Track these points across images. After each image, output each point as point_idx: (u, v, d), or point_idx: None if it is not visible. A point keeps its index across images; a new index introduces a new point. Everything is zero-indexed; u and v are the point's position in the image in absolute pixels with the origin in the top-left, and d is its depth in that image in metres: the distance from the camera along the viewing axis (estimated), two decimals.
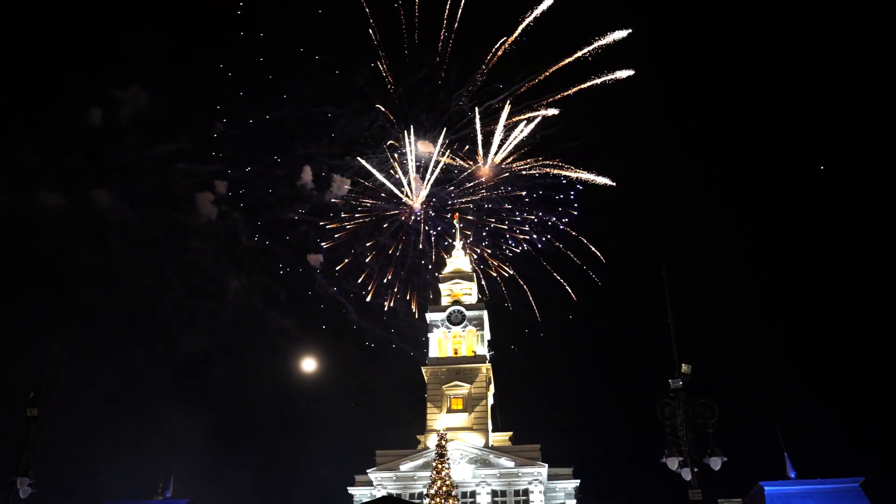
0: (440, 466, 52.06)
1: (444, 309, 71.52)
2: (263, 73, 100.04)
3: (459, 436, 63.25)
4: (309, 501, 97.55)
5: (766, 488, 52.72)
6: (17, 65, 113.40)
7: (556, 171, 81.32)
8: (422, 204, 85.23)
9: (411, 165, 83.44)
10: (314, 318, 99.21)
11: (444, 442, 53.58)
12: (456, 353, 70.39)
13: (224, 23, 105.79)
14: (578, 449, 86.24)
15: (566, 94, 79.08)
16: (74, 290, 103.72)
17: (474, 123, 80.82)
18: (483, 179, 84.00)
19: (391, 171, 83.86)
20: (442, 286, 74.96)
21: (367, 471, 62.33)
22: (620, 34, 76.01)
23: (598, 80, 77.71)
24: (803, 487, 52.30)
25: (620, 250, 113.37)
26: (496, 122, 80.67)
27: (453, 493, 51.86)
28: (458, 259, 77.24)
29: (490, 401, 69.25)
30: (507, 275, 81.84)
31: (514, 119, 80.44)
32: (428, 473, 55.25)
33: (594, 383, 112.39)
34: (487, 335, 72.09)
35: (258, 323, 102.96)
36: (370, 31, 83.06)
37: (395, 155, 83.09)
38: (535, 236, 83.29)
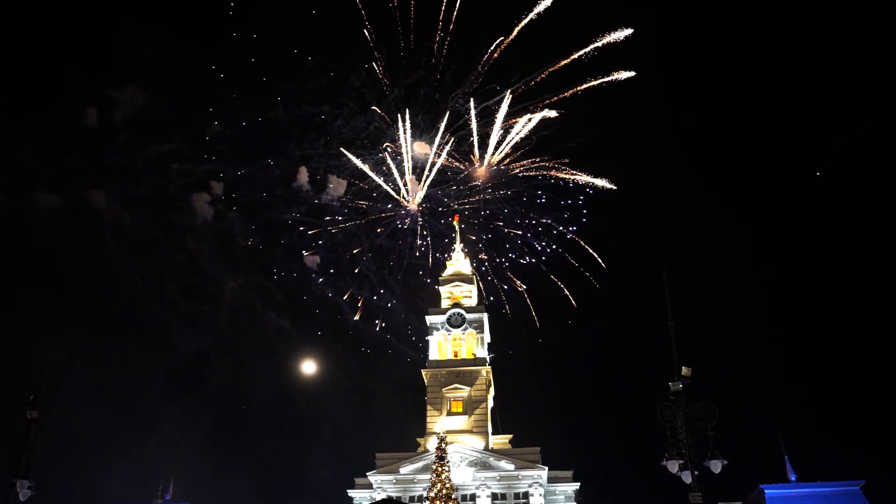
0: (440, 469, 51.97)
1: (444, 311, 71.49)
2: (259, 73, 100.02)
3: (459, 439, 63.18)
4: None
5: (766, 491, 52.66)
6: (14, 65, 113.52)
7: (553, 173, 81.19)
8: (418, 205, 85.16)
9: (408, 166, 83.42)
10: (312, 319, 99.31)
11: (443, 445, 53.47)
12: (456, 355, 70.32)
13: (220, 23, 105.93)
14: (579, 452, 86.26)
15: (565, 94, 78.98)
16: (72, 290, 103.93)
17: (471, 124, 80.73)
18: (480, 181, 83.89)
19: (388, 173, 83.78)
20: (442, 288, 74.93)
21: (367, 473, 62.26)
22: (620, 34, 75.91)
23: (596, 82, 77.65)
24: (804, 490, 52.26)
25: (620, 251, 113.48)
26: (493, 123, 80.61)
27: (453, 497, 51.75)
28: (459, 261, 77.22)
29: (490, 403, 69.17)
30: (506, 277, 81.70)
31: (511, 121, 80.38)
32: (428, 476, 55.16)
33: (594, 386, 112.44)
34: (487, 338, 72.02)
35: (256, 323, 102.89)
36: (365, 32, 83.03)
37: (392, 156, 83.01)
38: (532, 237, 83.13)
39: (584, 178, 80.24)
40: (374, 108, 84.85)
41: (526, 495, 60.35)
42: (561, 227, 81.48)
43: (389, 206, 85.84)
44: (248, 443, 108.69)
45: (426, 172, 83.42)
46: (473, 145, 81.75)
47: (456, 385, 66.93)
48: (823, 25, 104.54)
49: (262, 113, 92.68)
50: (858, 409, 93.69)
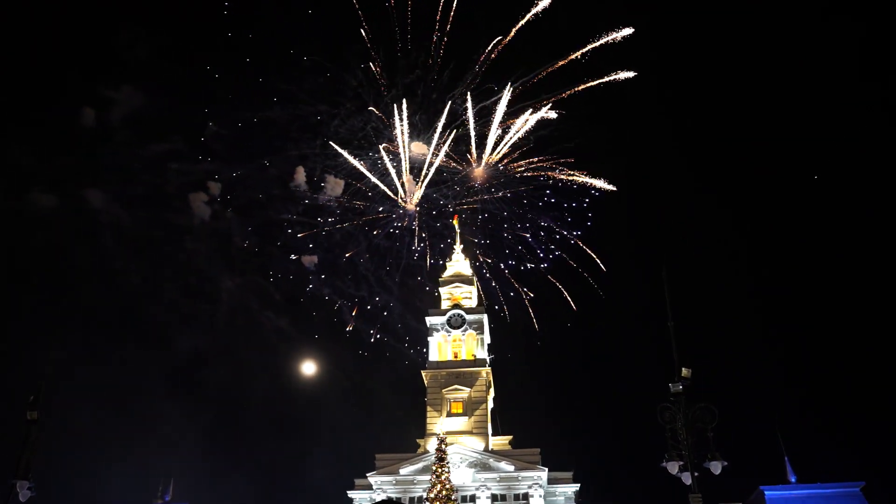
0: (440, 470, 51.99)
1: (444, 312, 71.52)
2: (256, 73, 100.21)
3: (459, 439, 63.18)
4: None
5: (766, 493, 52.73)
6: (11, 65, 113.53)
7: (551, 174, 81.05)
8: (416, 205, 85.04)
9: (405, 166, 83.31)
10: (310, 319, 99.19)
11: (443, 446, 53.50)
12: (456, 356, 70.34)
13: (217, 23, 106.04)
14: (578, 453, 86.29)
15: (563, 94, 78.88)
16: (71, 290, 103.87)
17: (468, 125, 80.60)
18: (478, 181, 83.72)
19: (385, 172, 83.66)
20: (442, 290, 74.94)
21: (367, 474, 62.27)
22: (620, 34, 75.80)
23: (594, 82, 77.53)
24: (804, 492, 52.32)
25: (619, 252, 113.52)
26: (491, 123, 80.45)
27: (453, 497, 51.79)
28: (458, 262, 77.22)
29: (490, 404, 69.17)
30: (505, 279, 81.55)
31: (510, 121, 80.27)
32: (428, 477, 55.19)
33: (594, 387, 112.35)
34: (487, 339, 72.03)
35: (254, 323, 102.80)
36: (362, 32, 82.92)
37: (389, 156, 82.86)
38: (531, 239, 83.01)
39: (583, 178, 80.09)
40: (370, 108, 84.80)
41: (526, 496, 60.33)
42: (564, 232, 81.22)
43: (387, 206, 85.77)
44: (248, 443, 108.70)
45: (423, 172, 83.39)
46: (471, 145, 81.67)
47: (456, 386, 66.94)
48: (823, 25, 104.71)
49: (259, 113, 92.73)
50: (858, 411, 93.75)
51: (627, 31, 75.70)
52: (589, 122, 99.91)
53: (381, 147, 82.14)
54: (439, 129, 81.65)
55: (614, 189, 79.36)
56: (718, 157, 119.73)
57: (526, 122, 79.50)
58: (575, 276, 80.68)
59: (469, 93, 78.55)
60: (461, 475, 60.27)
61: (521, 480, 60.68)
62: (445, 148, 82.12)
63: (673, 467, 20.63)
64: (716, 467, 20.49)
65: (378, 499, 59.48)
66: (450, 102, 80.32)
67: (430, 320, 71.36)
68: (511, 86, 77.89)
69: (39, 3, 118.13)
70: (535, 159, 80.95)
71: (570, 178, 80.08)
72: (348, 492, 63.64)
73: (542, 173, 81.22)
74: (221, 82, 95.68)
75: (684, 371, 21.26)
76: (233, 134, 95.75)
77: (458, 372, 67.84)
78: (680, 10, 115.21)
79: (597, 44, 76.44)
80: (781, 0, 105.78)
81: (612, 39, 76.12)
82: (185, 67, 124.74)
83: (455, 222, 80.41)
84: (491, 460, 61.83)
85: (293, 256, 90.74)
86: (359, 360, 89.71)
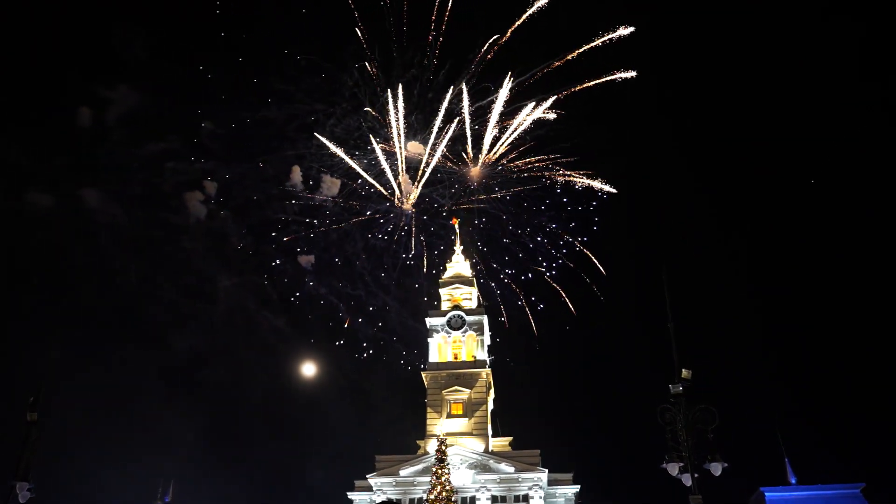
0: (440, 472, 51.99)
1: (444, 314, 71.50)
2: (251, 73, 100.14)
3: (459, 441, 63.15)
4: None
5: (766, 494, 52.74)
6: (7, 65, 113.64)
7: (549, 174, 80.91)
8: (413, 205, 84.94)
9: (401, 166, 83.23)
10: (308, 319, 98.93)
11: (443, 447, 53.51)
12: (456, 357, 70.33)
13: (212, 23, 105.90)
14: (579, 454, 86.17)
15: (562, 95, 78.78)
16: (69, 291, 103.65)
17: (465, 124, 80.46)
18: (475, 181, 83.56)
19: (381, 172, 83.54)
20: (442, 291, 74.91)
21: (367, 476, 62.24)
22: (619, 34, 75.65)
23: (592, 83, 77.41)
24: (804, 493, 52.32)
25: (618, 252, 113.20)
26: (488, 122, 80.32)
27: (453, 499, 51.78)
28: (458, 263, 77.19)
29: (490, 406, 69.14)
30: (504, 281, 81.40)
31: (507, 122, 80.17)
32: (428, 479, 55.19)
33: (594, 387, 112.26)
34: (487, 340, 72.03)
35: (251, 323, 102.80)
36: (357, 31, 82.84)
37: (385, 156, 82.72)
38: (529, 241, 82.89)
39: (582, 179, 79.96)
40: (366, 108, 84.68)
41: (526, 498, 60.31)
42: (566, 235, 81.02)
43: (383, 206, 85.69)
44: (247, 444, 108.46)
45: (420, 172, 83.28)
46: (467, 144, 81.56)
47: (456, 387, 66.91)
48: (823, 25, 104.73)
49: (255, 112, 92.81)
50: (859, 412, 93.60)
51: (628, 30, 75.69)
52: (588, 122, 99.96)
53: (377, 147, 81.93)
54: (436, 128, 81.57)
55: (614, 191, 79.24)
56: (718, 158, 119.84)
57: (523, 121, 79.34)
58: (574, 278, 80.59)
59: (466, 92, 78.43)
60: (461, 476, 60.25)
61: (522, 482, 60.65)
62: (442, 148, 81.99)
63: (673, 468, 20.61)
64: (716, 468, 20.47)
65: (378, 500, 59.45)
66: (446, 102, 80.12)
67: (430, 321, 71.34)
68: (509, 82, 77.71)
69: (35, 2, 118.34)
70: (534, 159, 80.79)
71: (569, 178, 79.95)
72: (348, 493, 63.62)
73: (541, 173, 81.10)
74: (217, 82, 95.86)
75: (684, 372, 21.24)
76: (229, 133, 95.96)
77: (459, 373, 67.82)
78: (680, 10, 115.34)
79: (596, 43, 76.40)
80: (781, 0, 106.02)
81: (612, 39, 76.07)
82: (180, 67, 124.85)
83: (455, 223, 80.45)
84: (491, 462, 61.80)
85: (296, 252, 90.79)
86: (357, 360, 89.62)
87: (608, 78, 77.14)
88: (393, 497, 60.63)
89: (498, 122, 79.46)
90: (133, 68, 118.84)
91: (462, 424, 65.38)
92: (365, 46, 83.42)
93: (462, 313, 71.05)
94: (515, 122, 79.62)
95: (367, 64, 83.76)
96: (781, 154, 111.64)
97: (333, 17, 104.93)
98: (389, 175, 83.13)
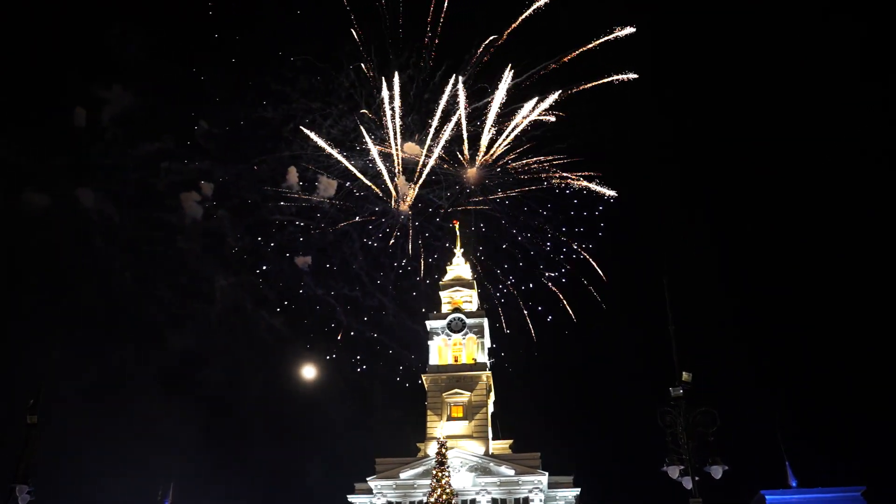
0: (440, 474, 51.94)
1: (444, 316, 71.44)
2: (247, 73, 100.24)
3: (459, 444, 63.07)
4: None
5: (767, 497, 52.72)
6: (5, 66, 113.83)
7: (547, 175, 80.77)
8: (410, 207, 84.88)
9: (398, 168, 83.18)
10: (305, 320, 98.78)
11: (444, 450, 53.47)
12: (456, 360, 70.28)
13: (208, 23, 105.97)
14: (579, 457, 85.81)
15: (561, 95, 78.66)
16: (66, 291, 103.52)
17: (461, 125, 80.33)
18: (472, 182, 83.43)
19: (378, 173, 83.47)
20: (442, 293, 74.85)
21: (367, 479, 62.13)
22: (619, 34, 75.57)
23: (590, 84, 77.35)
24: (805, 496, 52.31)
25: (618, 254, 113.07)
26: (484, 123, 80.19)
27: (453, 502, 51.72)
28: (459, 266, 77.14)
29: (490, 408, 69.08)
30: (504, 283, 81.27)
31: (505, 124, 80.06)
32: (428, 481, 55.12)
33: (595, 390, 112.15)
34: (488, 343, 71.96)
35: (248, 324, 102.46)
36: (353, 32, 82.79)
37: (382, 157, 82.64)
38: (528, 243, 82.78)
39: (581, 182, 79.84)
40: (363, 109, 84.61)
41: (526, 501, 60.22)
42: (565, 239, 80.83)
43: (380, 207, 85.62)
44: (247, 447, 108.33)
45: (417, 173, 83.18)
46: (464, 146, 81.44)
47: (456, 390, 66.85)
48: (823, 25, 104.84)
49: (251, 112, 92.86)
50: (859, 414, 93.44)
51: (628, 30, 75.63)
52: (587, 124, 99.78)
53: (373, 148, 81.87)
54: (432, 130, 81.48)
55: (614, 194, 79.05)
56: (718, 158, 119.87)
57: (521, 122, 79.29)
58: (574, 281, 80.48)
59: (463, 93, 78.41)
60: (461, 479, 60.18)
61: (522, 485, 60.56)
62: (439, 149, 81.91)
63: (674, 471, 20.60)
64: (716, 471, 20.47)
65: (378, 503, 59.38)
66: (443, 103, 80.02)
67: (430, 324, 71.29)
68: (508, 81, 77.64)
69: (31, 2, 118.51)
70: (532, 160, 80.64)
71: (567, 181, 79.78)
72: (348, 496, 63.54)
73: (539, 174, 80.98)
74: (213, 82, 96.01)
75: (685, 375, 21.25)
76: (224, 134, 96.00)
77: (459, 376, 67.77)
78: (680, 11, 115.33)
79: (596, 43, 76.36)
80: (781, 0, 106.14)
81: (612, 39, 76.02)
82: (176, 67, 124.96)
83: (455, 226, 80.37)
84: (491, 464, 61.73)
85: (293, 253, 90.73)
86: (355, 362, 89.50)
87: (608, 79, 77.18)
88: (393, 500, 60.59)
89: (495, 122, 79.47)
90: (128, 68, 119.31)
91: (462, 427, 65.32)
92: (361, 47, 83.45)
93: (462, 316, 71.01)
94: (513, 122, 79.60)
95: (362, 65, 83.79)
96: (782, 154, 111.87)
97: (329, 17, 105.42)
98: (386, 176, 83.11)
